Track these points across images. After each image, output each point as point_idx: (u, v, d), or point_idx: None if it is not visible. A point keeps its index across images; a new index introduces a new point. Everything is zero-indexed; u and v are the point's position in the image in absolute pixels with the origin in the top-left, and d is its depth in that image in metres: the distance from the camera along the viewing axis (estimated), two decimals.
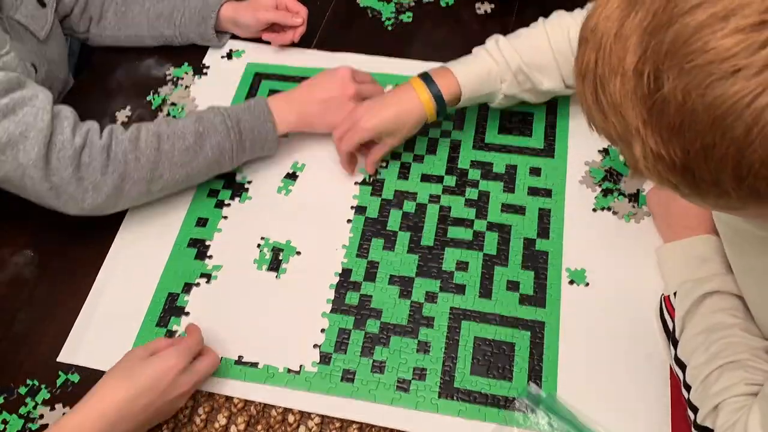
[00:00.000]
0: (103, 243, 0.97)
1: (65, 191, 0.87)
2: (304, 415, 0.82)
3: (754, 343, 0.71)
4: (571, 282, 0.88)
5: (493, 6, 1.20)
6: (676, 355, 0.76)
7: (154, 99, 1.12)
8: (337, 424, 0.81)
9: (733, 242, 0.73)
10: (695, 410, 0.72)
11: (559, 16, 0.95)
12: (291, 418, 0.81)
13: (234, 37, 1.19)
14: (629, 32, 0.46)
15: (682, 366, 0.75)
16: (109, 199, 0.90)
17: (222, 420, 0.82)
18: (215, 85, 1.14)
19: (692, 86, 0.43)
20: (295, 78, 1.13)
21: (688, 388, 0.74)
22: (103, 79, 1.17)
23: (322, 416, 0.81)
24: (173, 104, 1.11)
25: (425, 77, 0.94)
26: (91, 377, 0.83)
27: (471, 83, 0.94)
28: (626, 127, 0.48)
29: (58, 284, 0.94)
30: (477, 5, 1.20)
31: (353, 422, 0.81)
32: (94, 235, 0.98)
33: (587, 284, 0.88)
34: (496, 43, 0.94)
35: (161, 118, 0.97)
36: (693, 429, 0.72)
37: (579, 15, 0.93)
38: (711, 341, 0.73)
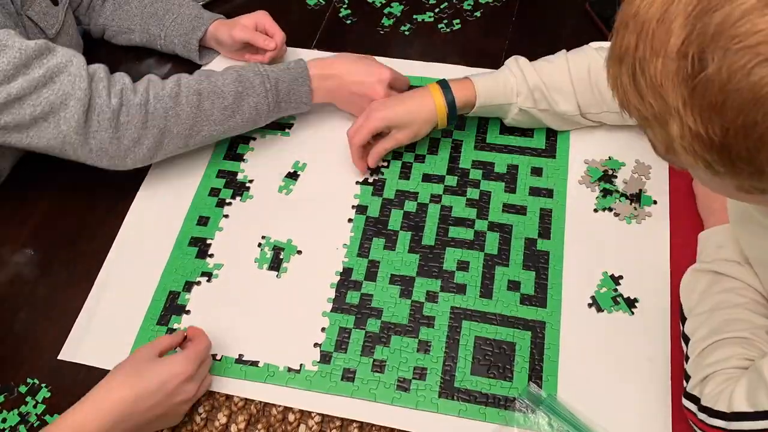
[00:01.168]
0: (104, 242, 0.97)
1: (106, 152, 0.90)
2: (305, 414, 0.82)
3: (759, 321, 0.73)
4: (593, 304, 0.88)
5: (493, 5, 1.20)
6: (683, 330, 0.79)
7: None
8: (338, 423, 0.81)
9: (743, 230, 0.76)
10: (688, 379, 0.74)
11: (582, 49, 0.97)
12: (291, 417, 0.81)
13: None
14: (673, 16, 0.48)
15: (687, 341, 0.77)
16: (149, 152, 0.93)
17: (222, 419, 0.82)
18: None
19: (738, 66, 0.45)
20: None
21: (686, 359, 0.76)
22: None
23: (323, 415, 0.81)
24: None
25: (443, 84, 0.96)
26: (91, 376, 0.84)
27: (487, 91, 0.95)
28: (664, 107, 0.50)
29: (59, 283, 0.94)
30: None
31: (354, 421, 0.81)
32: (95, 233, 0.98)
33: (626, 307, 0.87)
34: (516, 61, 0.97)
35: (202, 71, 0.98)
36: (683, 398, 0.74)
37: (602, 51, 0.92)
38: (714, 318, 0.75)
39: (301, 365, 0.85)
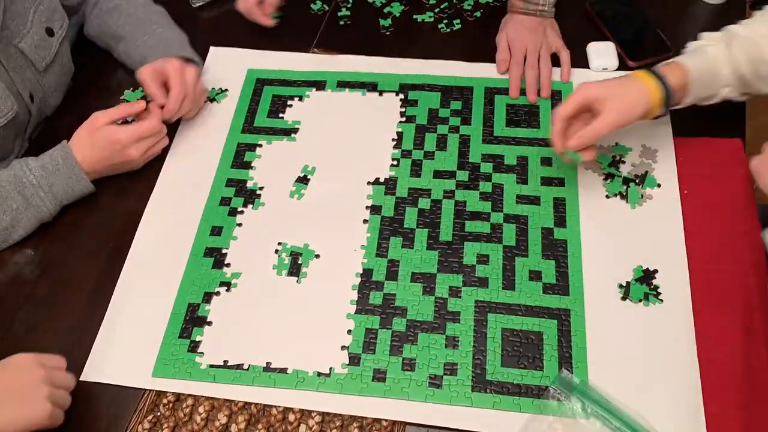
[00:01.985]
0: (102, 243, 0.97)
1: None
2: (305, 414, 0.81)
3: None
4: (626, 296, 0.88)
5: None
6: None
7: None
8: (338, 423, 0.80)
9: None
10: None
11: None
12: (291, 417, 0.81)
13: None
14: None
15: None
16: None
17: (222, 419, 0.81)
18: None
19: None
20: (297, 82, 1.13)
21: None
22: (102, 79, 1.16)
23: (323, 414, 0.81)
24: None
25: (651, 71, 0.89)
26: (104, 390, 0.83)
27: (699, 79, 0.89)
28: None
29: (58, 284, 0.93)
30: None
31: (354, 419, 0.81)
32: (93, 235, 0.98)
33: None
34: (727, 45, 0.89)
35: None
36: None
37: None
38: None
39: (330, 369, 0.84)
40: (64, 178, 0.94)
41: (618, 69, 1.09)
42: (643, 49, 1.10)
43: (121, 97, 1.11)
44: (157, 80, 1.01)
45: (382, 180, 1.00)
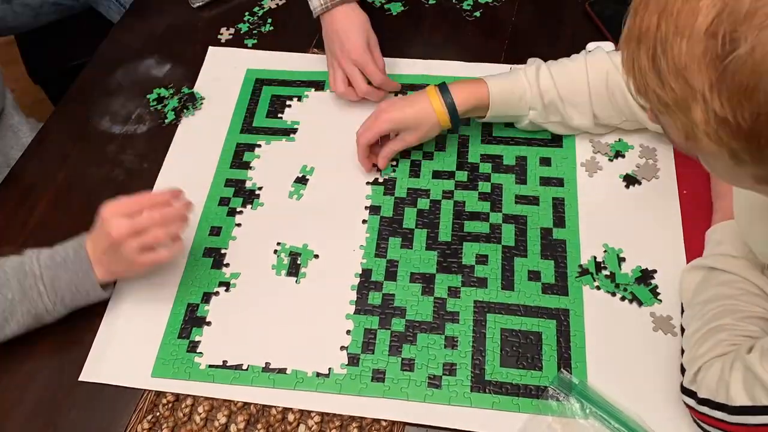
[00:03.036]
0: None
1: None
2: (304, 414, 0.81)
3: (753, 309, 0.73)
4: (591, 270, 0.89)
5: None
6: (681, 324, 0.79)
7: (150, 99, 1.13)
8: (337, 423, 0.80)
9: (752, 225, 0.74)
10: (684, 373, 0.75)
11: (598, 57, 0.93)
12: (291, 417, 0.81)
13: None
14: None
15: (683, 334, 0.78)
16: None
17: (222, 419, 0.81)
18: (216, 94, 1.13)
19: None
20: (297, 82, 1.13)
21: (682, 353, 0.76)
22: (103, 78, 1.16)
23: (322, 415, 0.81)
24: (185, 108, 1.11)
25: (442, 87, 0.95)
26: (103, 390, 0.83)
27: (500, 99, 0.94)
28: (688, 91, 0.48)
29: None
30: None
31: (354, 420, 0.80)
32: None
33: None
34: (536, 70, 0.94)
35: None
36: (681, 393, 0.74)
37: (617, 57, 0.91)
38: (707, 309, 0.75)
39: (329, 369, 0.84)
40: (69, 273, 0.84)
41: None
42: None
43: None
44: None
45: (380, 180, 1.00)
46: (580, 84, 0.93)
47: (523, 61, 1.11)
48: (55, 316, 0.85)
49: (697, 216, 0.92)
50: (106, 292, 0.87)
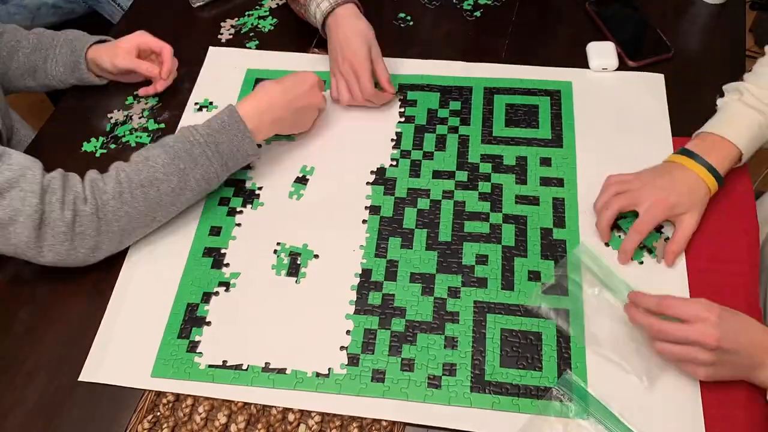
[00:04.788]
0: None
1: (65, 261, 0.88)
2: (305, 414, 0.81)
3: None
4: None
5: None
6: None
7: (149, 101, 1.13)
8: (338, 423, 0.80)
9: None
10: None
11: None
12: (291, 417, 0.81)
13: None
14: None
15: None
16: (110, 250, 0.91)
17: (222, 419, 0.81)
18: (216, 93, 1.13)
19: None
20: None
21: None
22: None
23: (323, 414, 0.81)
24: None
25: (689, 154, 0.90)
26: (103, 390, 0.84)
27: (747, 141, 0.90)
28: None
29: (58, 283, 0.93)
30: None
31: (354, 420, 0.80)
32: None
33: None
34: (747, 92, 0.92)
35: (136, 158, 0.91)
36: None
37: None
38: None
39: (329, 369, 0.84)
40: (229, 136, 0.92)
41: (618, 69, 1.09)
42: (643, 49, 1.10)
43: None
44: (135, 55, 1.08)
45: (381, 180, 1.00)
46: None
47: (523, 61, 1.11)
48: (220, 181, 0.96)
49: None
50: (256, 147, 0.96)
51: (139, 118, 1.11)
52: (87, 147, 1.08)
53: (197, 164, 0.91)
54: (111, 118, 1.11)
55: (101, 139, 1.09)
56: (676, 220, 0.89)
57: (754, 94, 0.91)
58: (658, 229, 0.91)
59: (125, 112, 1.12)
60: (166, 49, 1.09)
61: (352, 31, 1.03)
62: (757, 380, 0.77)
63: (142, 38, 1.08)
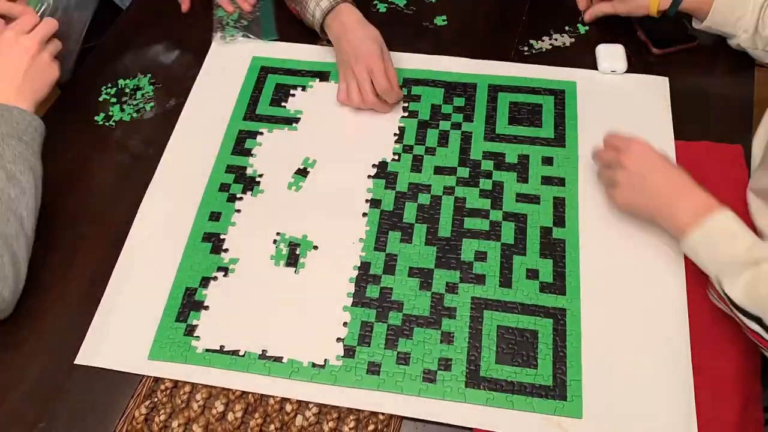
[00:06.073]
0: (107, 234, 0.96)
1: None
2: (302, 405, 0.82)
3: None
4: None
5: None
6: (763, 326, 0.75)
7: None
8: (335, 414, 0.81)
9: None
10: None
11: None
12: (288, 407, 0.81)
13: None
14: None
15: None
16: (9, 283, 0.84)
17: (219, 407, 0.82)
18: (221, 80, 1.13)
19: None
20: (302, 72, 1.13)
21: None
22: (110, 63, 1.17)
23: (320, 405, 0.81)
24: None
25: None
26: (101, 374, 0.83)
27: (723, 8, 1.00)
28: None
29: (57, 267, 0.93)
30: None
31: (351, 412, 0.81)
32: (94, 218, 0.98)
33: None
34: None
35: None
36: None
37: None
38: None
39: (325, 360, 0.84)
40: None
41: (626, 72, 1.09)
42: (668, 38, 1.11)
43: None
44: None
45: (382, 174, 1.00)
46: None
47: (529, 60, 1.11)
48: (37, 163, 0.90)
49: None
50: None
51: (143, 104, 1.11)
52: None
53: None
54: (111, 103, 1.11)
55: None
56: None
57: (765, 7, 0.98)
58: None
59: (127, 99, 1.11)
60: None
61: (365, 34, 1.04)
62: (670, 221, 0.84)
63: None
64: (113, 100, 1.11)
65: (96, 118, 1.09)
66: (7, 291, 0.83)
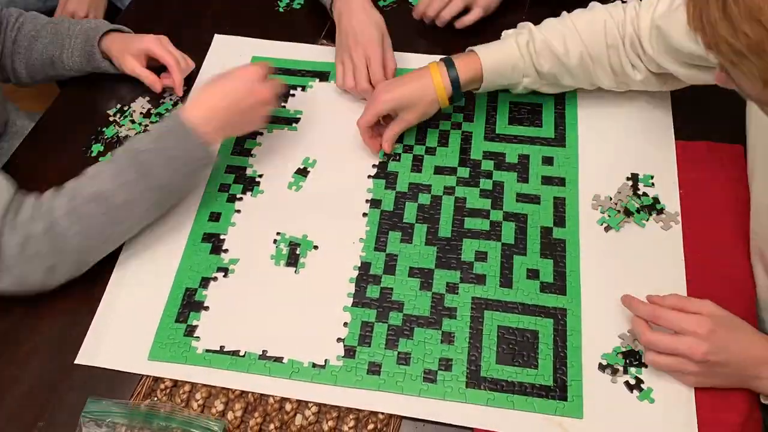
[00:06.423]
0: None
1: (21, 284, 0.85)
2: (302, 404, 0.82)
3: None
4: None
5: None
6: None
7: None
8: (334, 414, 0.81)
9: None
10: None
11: (594, 11, 0.95)
12: (288, 407, 0.81)
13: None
14: None
15: None
16: (72, 268, 0.87)
17: (219, 406, 0.82)
18: None
19: None
20: (302, 72, 1.12)
21: None
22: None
23: (320, 405, 0.81)
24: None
25: (447, 62, 0.95)
26: (101, 374, 0.84)
27: (494, 71, 0.95)
28: (763, 33, 0.50)
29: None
30: None
31: (351, 411, 0.81)
32: None
33: None
34: (529, 36, 0.95)
35: (86, 172, 0.88)
36: None
37: (614, 9, 0.94)
38: None
39: (325, 360, 0.84)
40: (176, 140, 0.88)
41: None
42: None
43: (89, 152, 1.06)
44: (142, 63, 1.06)
45: (382, 174, 1.00)
46: (574, 49, 0.93)
47: None
48: (181, 191, 0.93)
49: (698, 219, 0.92)
50: (212, 153, 0.92)
51: (144, 106, 1.10)
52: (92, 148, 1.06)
53: (145, 173, 0.86)
54: (113, 108, 1.10)
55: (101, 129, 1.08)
56: (399, 113, 0.97)
57: (529, 39, 0.94)
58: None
59: (125, 105, 1.11)
60: (173, 66, 1.05)
61: (368, 18, 1.04)
62: (754, 389, 0.78)
63: (153, 47, 1.05)
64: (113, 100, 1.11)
65: (92, 140, 1.08)
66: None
